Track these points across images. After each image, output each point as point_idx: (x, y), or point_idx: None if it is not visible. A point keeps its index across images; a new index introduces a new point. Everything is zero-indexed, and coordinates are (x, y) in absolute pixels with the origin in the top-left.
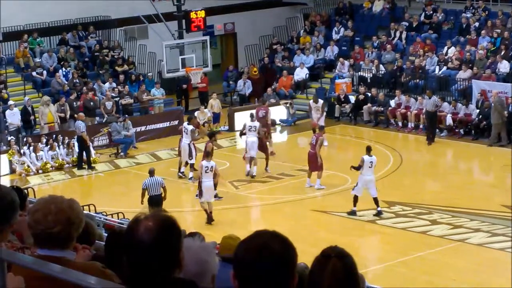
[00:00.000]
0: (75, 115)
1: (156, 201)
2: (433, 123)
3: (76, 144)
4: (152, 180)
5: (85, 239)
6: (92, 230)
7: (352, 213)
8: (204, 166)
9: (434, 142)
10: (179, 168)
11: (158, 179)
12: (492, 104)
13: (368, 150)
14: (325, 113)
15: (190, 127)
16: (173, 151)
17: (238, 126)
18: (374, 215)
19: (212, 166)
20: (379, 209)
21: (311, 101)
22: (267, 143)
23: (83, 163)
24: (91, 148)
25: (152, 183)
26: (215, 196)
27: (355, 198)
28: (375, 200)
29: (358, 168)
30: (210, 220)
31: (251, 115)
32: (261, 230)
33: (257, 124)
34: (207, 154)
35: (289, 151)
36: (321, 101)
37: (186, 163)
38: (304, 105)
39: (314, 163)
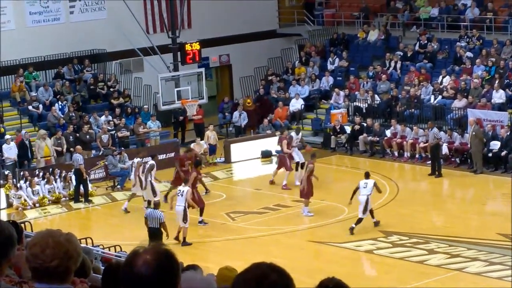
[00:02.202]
0: (71, 149)
1: (152, 233)
2: (435, 155)
3: (73, 177)
4: (152, 212)
5: (81, 272)
6: (87, 262)
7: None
8: (178, 190)
9: (439, 175)
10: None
11: (157, 213)
12: (474, 133)
13: (366, 175)
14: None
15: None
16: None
17: (234, 158)
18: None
19: (183, 191)
20: (353, 225)
21: (293, 132)
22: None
23: (80, 196)
24: (88, 181)
25: (151, 214)
26: (200, 221)
27: (370, 211)
28: (358, 221)
29: (354, 191)
30: (177, 239)
31: (152, 156)
32: (258, 262)
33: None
34: (185, 181)
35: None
36: (300, 134)
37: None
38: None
39: (301, 190)
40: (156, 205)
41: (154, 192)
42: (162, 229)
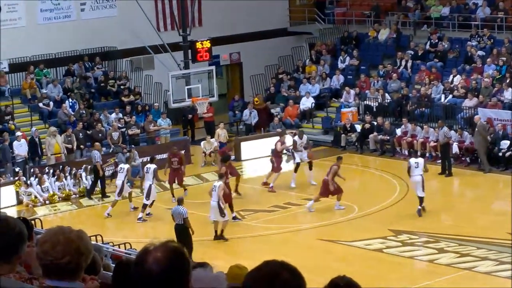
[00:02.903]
0: (81, 146)
1: (178, 230)
2: (445, 154)
3: (83, 174)
4: (175, 209)
5: (91, 269)
6: (97, 259)
7: (419, 211)
8: (212, 185)
9: (449, 174)
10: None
11: (179, 209)
12: (476, 129)
13: (415, 153)
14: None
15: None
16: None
17: (244, 155)
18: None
19: (216, 186)
20: (421, 206)
21: (296, 137)
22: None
23: (93, 193)
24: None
25: (174, 211)
26: (234, 218)
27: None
28: (421, 201)
29: (408, 171)
30: (218, 237)
31: (151, 159)
32: (270, 260)
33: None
34: (220, 176)
35: (296, 180)
36: (305, 137)
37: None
38: (310, 134)
39: (324, 189)
40: (180, 201)
41: (148, 196)
42: (186, 225)
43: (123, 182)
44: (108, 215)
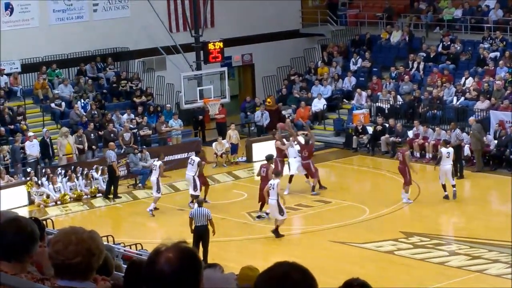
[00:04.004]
0: (93, 146)
1: (198, 231)
2: (457, 157)
3: (94, 174)
4: (198, 211)
5: (103, 270)
6: (110, 261)
7: (446, 197)
8: (269, 183)
9: (461, 176)
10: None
11: (204, 211)
12: (471, 131)
13: (446, 142)
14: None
15: (197, 159)
16: None
17: (255, 157)
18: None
19: (274, 184)
20: (454, 189)
21: (293, 143)
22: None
23: (109, 192)
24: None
25: (197, 213)
26: (258, 216)
27: (443, 187)
28: (453, 186)
29: (438, 161)
30: (277, 235)
31: (196, 152)
32: (281, 261)
33: (195, 159)
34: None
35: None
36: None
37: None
38: (321, 136)
39: (405, 177)
40: (200, 203)
41: (195, 187)
42: (209, 227)
43: (157, 178)
44: (151, 212)
